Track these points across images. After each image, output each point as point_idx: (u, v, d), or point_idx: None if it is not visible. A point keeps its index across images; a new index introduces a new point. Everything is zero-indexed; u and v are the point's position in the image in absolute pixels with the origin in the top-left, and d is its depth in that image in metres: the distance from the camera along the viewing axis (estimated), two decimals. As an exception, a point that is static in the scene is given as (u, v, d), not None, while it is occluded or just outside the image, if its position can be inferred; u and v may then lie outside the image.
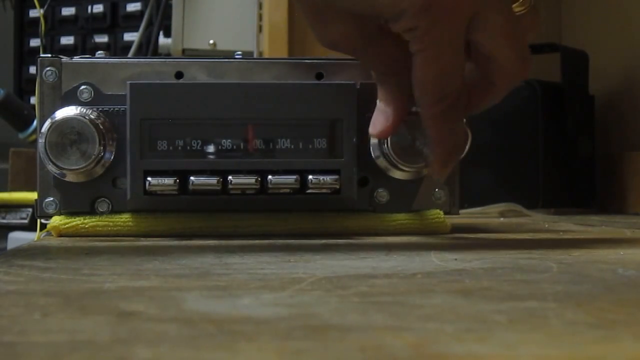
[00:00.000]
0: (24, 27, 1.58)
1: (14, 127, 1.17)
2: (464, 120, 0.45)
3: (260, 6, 1.11)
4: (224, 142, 0.51)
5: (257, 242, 0.47)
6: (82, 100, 0.51)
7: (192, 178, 0.50)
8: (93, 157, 0.50)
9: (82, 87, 0.51)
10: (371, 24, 0.43)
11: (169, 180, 0.49)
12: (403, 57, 0.43)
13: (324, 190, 0.51)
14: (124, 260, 0.38)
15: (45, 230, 0.52)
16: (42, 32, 1.26)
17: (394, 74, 0.45)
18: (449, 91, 0.42)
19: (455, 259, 0.38)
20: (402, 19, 0.40)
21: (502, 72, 0.43)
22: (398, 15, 0.40)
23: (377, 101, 0.46)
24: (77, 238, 0.50)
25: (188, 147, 0.51)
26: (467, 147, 0.62)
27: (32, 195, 0.73)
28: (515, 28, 0.42)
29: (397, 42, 0.43)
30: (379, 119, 0.46)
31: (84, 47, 1.49)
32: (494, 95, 0.45)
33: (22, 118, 1.16)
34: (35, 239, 0.55)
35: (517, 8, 0.43)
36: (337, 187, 0.51)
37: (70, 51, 1.48)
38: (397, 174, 0.53)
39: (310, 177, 0.50)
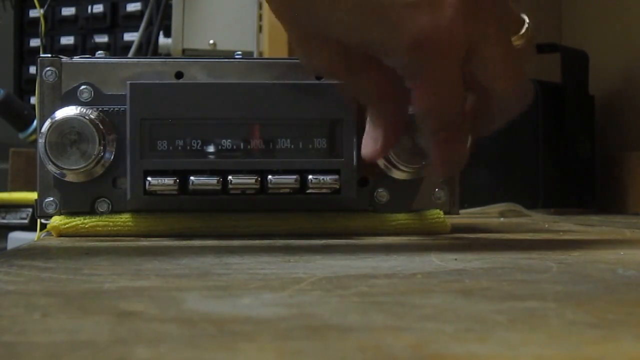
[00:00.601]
0: (24, 27, 1.58)
1: (14, 127, 1.17)
2: (468, 141, 0.44)
3: (260, 6, 1.11)
4: (224, 142, 0.51)
5: (257, 242, 0.47)
6: (82, 100, 0.51)
7: (192, 178, 0.50)
8: (93, 157, 0.50)
9: (82, 87, 0.51)
10: (360, 54, 0.41)
11: (169, 180, 0.49)
12: (391, 85, 0.41)
13: (324, 190, 0.51)
14: (124, 260, 0.38)
15: (45, 230, 0.52)
16: (42, 32, 1.26)
17: (381, 102, 0.43)
18: (449, 121, 0.41)
19: (455, 259, 0.38)
20: (393, 56, 0.39)
21: (501, 104, 0.43)
22: (388, 52, 0.39)
23: (366, 123, 0.44)
24: (77, 238, 0.50)
25: (188, 147, 0.51)
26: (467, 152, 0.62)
27: (32, 195, 0.73)
28: (514, 61, 0.41)
29: (385, 71, 0.41)
30: (368, 142, 0.44)
31: (84, 47, 1.49)
32: (494, 124, 0.44)
33: (22, 118, 1.16)
34: (35, 239, 0.55)
35: (516, 42, 0.41)
36: (337, 187, 0.51)
37: (70, 51, 1.48)
38: (397, 174, 0.53)
39: (310, 177, 0.50)
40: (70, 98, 0.51)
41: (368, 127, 0.44)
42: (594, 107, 0.95)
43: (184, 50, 1.15)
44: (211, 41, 1.14)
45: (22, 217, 1.33)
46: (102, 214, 0.52)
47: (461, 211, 0.59)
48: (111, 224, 0.51)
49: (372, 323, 0.23)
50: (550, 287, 0.29)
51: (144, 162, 0.50)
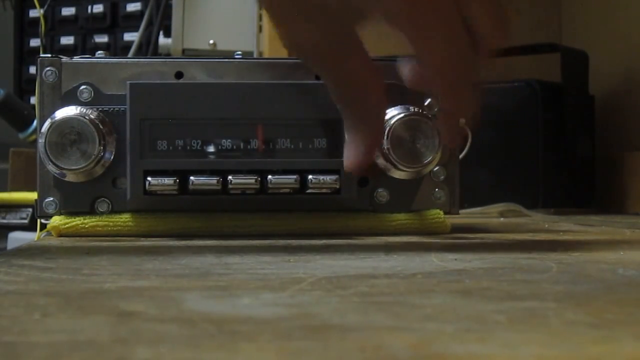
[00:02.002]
0: (24, 27, 1.58)
1: (14, 127, 1.17)
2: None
3: (260, 6, 1.11)
4: (223, 142, 0.51)
5: (257, 242, 0.47)
6: (82, 100, 0.51)
7: (192, 178, 0.50)
8: (93, 157, 0.50)
9: (82, 87, 0.51)
10: (342, 31, 0.39)
11: (169, 180, 0.49)
12: (371, 78, 0.41)
13: (324, 190, 0.51)
14: (124, 260, 0.38)
15: (45, 230, 0.52)
16: (42, 32, 1.26)
17: (361, 97, 0.42)
18: (460, 72, 0.40)
19: (455, 259, 0.38)
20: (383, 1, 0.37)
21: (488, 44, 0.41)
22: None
23: (345, 132, 0.43)
24: (77, 238, 0.50)
25: (188, 147, 0.51)
26: (467, 147, 0.62)
27: (32, 195, 0.73)
28: None
29: (366, 62, 0.40)
30: (351, 152, 0.42)
31: (84, 47, 1.48)
32: (485, 71, 0.42)
33: (22, 118, 1.16)
34: (35, 239, 0.55)
35: None
36: (337, 187, 0.51)
37: (70, 51, 1.48)
38: (397, 174, 0.53)
39: (310, 177, 0.50)
40: (70, 98, 0.51)
41: (348, 136, 0.43)
42: (594, 107, 0.95)
43: (184, 50, 1.15)
44: (211, 41, 1.14)
45: (22, 217, 1.32)
46: (102, 214, 0.52)
47: (461, 211, 0.59)
48: (111, 224, 0.51)
49: (372, 323, 0.23)
50: (550, 287, 0.29)
51: (144, 162, 0.50)
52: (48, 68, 0.51)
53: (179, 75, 0.52)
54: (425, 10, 0.38)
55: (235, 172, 0.50)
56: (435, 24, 0.38)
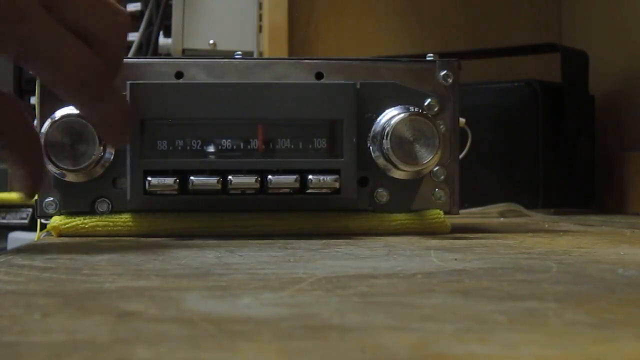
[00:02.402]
0: (24, 27, 1.58)
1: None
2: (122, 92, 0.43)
3: (260, 6, 1.11)
4: (223, 142, 0.51)
5: (257, 242, 0.47)
6: (82, 100, 0.51)
7: (192, 178, 0.50)
8: (93, 157, 0.50)
9: (82, 87, 0.51)
10: None
11: (169, 180, 0.50)
12: (18, 113, 0.40)
13: (324, 190, 0.51)
14: (124, 260, 0.38)
15: (45, 230, 0.52)
16: (42, 32, 1.26)
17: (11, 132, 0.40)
18: (85, 80, 0.40)
19: (455, 259, 0.38)
20: None
21: (102, 35, 0.41)
22: None
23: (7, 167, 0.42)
24: (77, 238, 0.50)
25: (188, 147, 0.51)
26: (467, 147, 0.62)
27: (32, 195, 0.73)
28: None
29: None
30: (18, 184, 0.42)
31: (84, 47, 1.48)
32: (119, 60, 0.43)
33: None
34: (35, 239, 0.55)
35: None
36: (337, 187, 0.51)
37: (70, 51, 1.47)
38: (397, 174, 0.53)
39: (310, 177, 0.50)
40: (70, 98, 0.51)
41: (9, 170, 0.42)
42: (594, 107, 0.95)
43: (184, 50, 1.15)
44: (211, 41, 1.14)
45: (22, 217, 1.33)
46: (102, 214, 0.52)
47: (461, 211, 0.59)
48: (111, 224, 0.51)
49: (372, 323, 0.23)
50: (550, 287, 0.29)
51: (144, 162, 0.50)
52: (48, 68, 0.51)
53: (179, 75, 0.52)
54: (27, 29, 0.38)
55: (235, 172, 0.50)
56: (42, 43, 0.38)
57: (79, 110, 0.45)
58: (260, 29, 1.12)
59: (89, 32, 0.40)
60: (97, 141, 0.50)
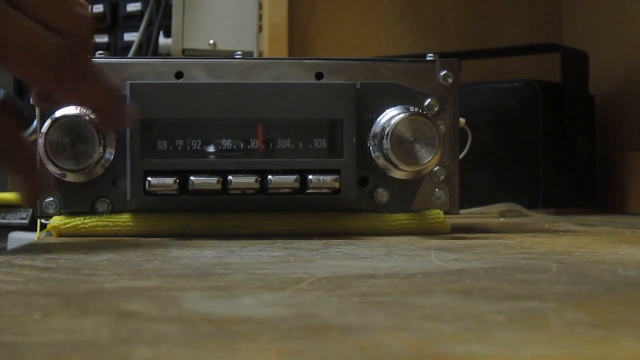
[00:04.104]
0: (24, 27, 1.58)
1: (14, 127, 1.17)
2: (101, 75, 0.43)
3: (260, 6, 1.11)
4: (224, 142, 0.51)
5: (257, 242, 0.47)
6: (82, 100, 0.51)
7: (192, 178, 0.50)
8: (93, 157, 0.50)
9: (82, 87, 0.51)
10: None
11: (169, 180, 0.50)
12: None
13: (324, 190, 0.51)
14: (124, 260, 0.38)
15: (45, 230, 0.52)
16: (42, 32, 1.26)
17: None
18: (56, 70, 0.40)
19: (455, 259, 0.38)
20: None
21: (70, 28, 0.41)
22: None
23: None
24: (77, 238, 0.50)
25: (188, 147, 0.51)
26: (467, 147, 0.62)
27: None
28: None
29: None
30: (21, 193, 0.43)
31: (84, 47, 1.48)
32: (88, 52, 0.43)
33: (22, 118, 1.16)
34: (35, 239, 0.55)
35: None
36: (337, 187, 0.51)
37: (70, 51, 1.47)
38: (397, 174, 0.53)
39: (310, 177, 0.50)
40: (70, 98, 0.51)
41: (9, 179, 0.43)
42: (594, 107, 0.95)
43: (184, 50, 1.15)
44: (211, 41, 1.14)
45: (22, 217, 1.33)
46: (102, 214, 0.52)
47: (461, 211, 0.59)
48: (111, 224, 0.51)
49: (372, 323, 0.23)
50: (550, 287, 0.29)
51: (144, 162, 0.50)
52: (48, 68, 0.51)
53: (179, 75, 0.52)
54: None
55: (235, 172, 0.50)
56: (9, 34, 0.39)
57: (65, 97, 0.44)
58: (260, 28, 1.11)
59: (50, 20, 0.40)
60: (97, 141, 0.50)
